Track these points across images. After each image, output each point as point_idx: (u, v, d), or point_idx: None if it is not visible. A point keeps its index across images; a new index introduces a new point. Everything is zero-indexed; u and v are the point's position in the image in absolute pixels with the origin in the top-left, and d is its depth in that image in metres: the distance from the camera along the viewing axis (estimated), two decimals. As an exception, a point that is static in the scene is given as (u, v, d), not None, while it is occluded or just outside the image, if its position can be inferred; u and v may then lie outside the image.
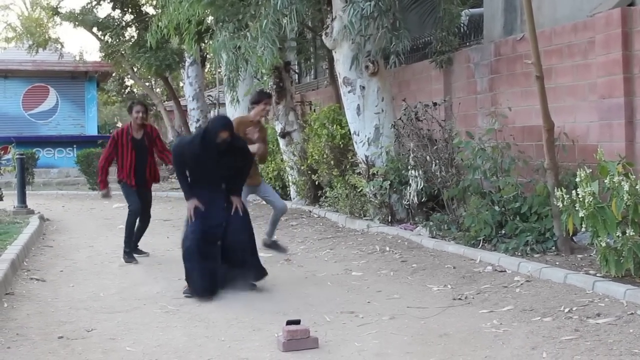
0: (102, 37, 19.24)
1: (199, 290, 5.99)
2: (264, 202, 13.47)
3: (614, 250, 5.60)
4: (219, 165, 6.10)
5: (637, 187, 5.48)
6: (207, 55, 19.84)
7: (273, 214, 7.86)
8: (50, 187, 20.99)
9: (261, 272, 6.38)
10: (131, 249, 8.12)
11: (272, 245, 7.94)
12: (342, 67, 9.62)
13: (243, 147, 6.40)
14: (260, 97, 7.63)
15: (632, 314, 4.71)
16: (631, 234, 5.47)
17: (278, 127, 12.82)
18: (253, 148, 7.03)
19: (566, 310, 4.96)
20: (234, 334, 4.85)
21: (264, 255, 7.75)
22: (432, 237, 8.10)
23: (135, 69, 20.52)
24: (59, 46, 21.95)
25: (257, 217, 11.29)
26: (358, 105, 9.55)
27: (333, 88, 13.15)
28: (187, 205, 6.14)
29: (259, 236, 9.17)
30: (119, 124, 30.02)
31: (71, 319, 5.33)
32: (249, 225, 6.39)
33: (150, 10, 19.50)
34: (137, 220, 8.21)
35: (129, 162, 8.00)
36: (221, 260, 6.14)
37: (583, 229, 5.86)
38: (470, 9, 11.36)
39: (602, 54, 7.50)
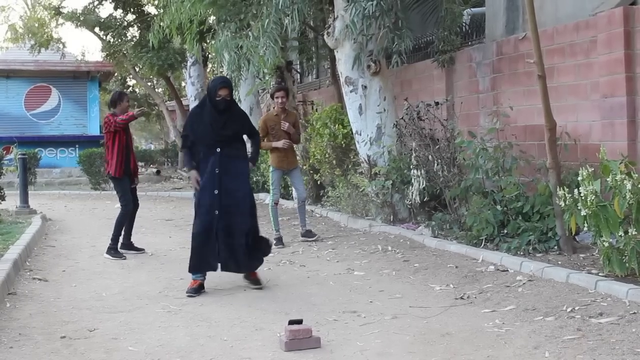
0: (104, 37, 19.24)
1: (197, 267, 6.14)
2: (266, 202, 13.58)
3: (617, 249, 5.60)
4: (217, 125, 6.18)
5: (639, 185, 5.47)
6: (209, 55, 19.82)
7: (298, 206, 9.01)
8: (53, 187, 21.01)
9: (256, 262, 6.33)
10: (119, 245, 8.27)
11: (307, 234, 8.86)
12: (344, 67, 9.62)
13: (242, 113, 6.59)
14: (273, 92, 9.07)
15: (634, 313, 4.71)
16: (634, 233, 5.47)
17: (280, 127, 12.83)
18: (278, 144, 8.60)
19: (568, 309, 4.96)
20: (236, 334, 4.85)
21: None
22: (435, 237, 8.10)
23: (137, 69, 20.52)
24: (61, 46, 21.97)
25: (259, 216, 11.29)
26: (360, 104, 9.55)
27: (335, 87, 13.15)
28: (190, 175, 6.39)
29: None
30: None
31: (74, 319, 5.33)
32: (252, 212, 6.35)
33: (152, 10, 19.50)
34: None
35: (123, 147, 8.20)
36: (220, 240, 6.13)
37: (585, 228, 5.84)
38: (472, 8, 11.35)
39: (604, 53, 7.49)
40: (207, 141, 6.22)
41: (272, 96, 9.08)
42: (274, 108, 9.03)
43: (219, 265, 6.21)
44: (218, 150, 6.18)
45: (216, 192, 6.15)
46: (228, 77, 10.90)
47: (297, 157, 9.58)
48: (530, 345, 4.33)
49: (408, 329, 4.85)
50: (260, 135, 8.63)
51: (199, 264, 6.18)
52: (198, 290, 6.11)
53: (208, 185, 6.18)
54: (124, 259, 8.03)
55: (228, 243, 6.14)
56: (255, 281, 6.31)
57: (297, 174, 9.02)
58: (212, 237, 6.14)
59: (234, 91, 10.86)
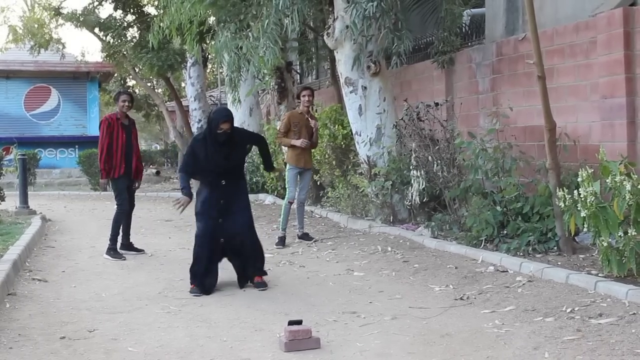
0: (104, 38, 19.21)
1: (206, 287, 6.18)
2: (266, 203, 13.59)
3: (616, 250, 5.60)
4: (220, 157, 6.24)
5: (639, 186, 5.47)
6: (209, 56, 19.83)
7: (297, 207, 9.01)
8: (52, 187, 21.00)
9: (260, 270, 6.43)
10: (119, 246, 8.28)
11: (304, 236, 8.91)
12: (343, 68, 9.62)
13: (242, 133, 6.75)
14: (299, 92, 9.18)
15: (634, 314, 4.71)
16: (633, 233, 5.47)
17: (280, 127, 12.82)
18: (297, 142, 8.66)
19: (568, 310, 4.96)
20: (236, 335, 4.85)
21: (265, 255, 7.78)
22: (434, 237, 8.10)
23: (137, 70, 20.49)
24: (60, 47, 21.95)
25: (259, 217, 11.30)
26: (360, 105, 9.55)
27: (335, 88, 13.15)
28: (182, 200, 6.44)
29: (262, 237, 9.22)
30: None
31: (73, 320, 5.33)
32: (250, 221, 6.49)
33: (152, 10, 19.50)
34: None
35: (120, 147, 8.18)
36: (224, 256, 6.37)
37: (585, 229, 5.85)
38: (472, 9, 11.35)
39: (604, 54, 7.49)
40: (211, 172, 6.29)
41: (298, 96, 9.32)
42: (298, 107, 9.23)
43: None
44: (223, 182, 6.29)
45: (221, 220, 6.28)
46: (227, 77, 10.95)
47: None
48: (530, 346, 4.33)
49: (408, 329, 4.85)
50: (282, 131, 8.94)
51: (207, 286, 6.23)
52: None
53: (212, 214, 6.29)
54: (124, 259, 8.03)
55: (239, 263, 6.36)
56: (259, 284, 6.34)
57: (308, 175, 9.09)
58: (217, 260, 6.32)
59: (234, 93, 10.92)
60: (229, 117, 6.33)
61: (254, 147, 7.41)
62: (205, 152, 6.27)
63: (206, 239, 6.29)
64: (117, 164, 8.16)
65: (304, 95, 8.93)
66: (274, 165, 7.44)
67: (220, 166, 6.25)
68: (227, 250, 6.36)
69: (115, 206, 8.48)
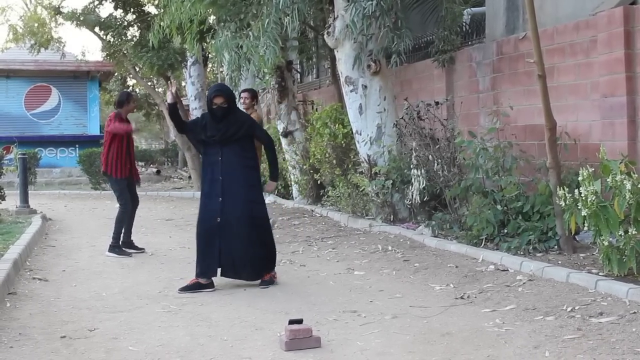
0: (104, 37, 19.21)
1: (198, 273, 6.22)
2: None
3: (617, 249, 5.60)
4: (213, 132, 6.23)
5: (639, 185, 5.47)
6: (209, 55, 19.82)
7: None
8: (53, 186, 21.01)
9: (257, 274, 6.35)
10: (120, 243, 8.29)
11: None
12: (344, 67, 9.62)
13: (243, 119, 6.51)
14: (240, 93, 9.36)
15: (634, 313, 4.70)
16: (634, 232, 5.47)
17: (280, 127, 12.84)
18: None
19: (569, 309, 4.96)
20: (236, 334, 4.85)
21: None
22: (435, 236, 8.09)
23: (137, 69, 20.48)
24: (60, 46, 21.95)
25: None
26: (360, 104, 9.55)
27: (335, 87, 13.16)
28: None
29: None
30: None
31: (74, 319, 5.33)
32: (258, 222, 6.35)
33: (152, 9, 19.50)
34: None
35: (125, 148, 8.21)
36: (221, 247, 6.20)
37: (585, 228, 5.84)
38: (472, 8, 11.35)
39: (604, 53, 7.49)
40: (208, 148, 6.31)
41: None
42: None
43: (219, 270, 6.30)
44: (220, 158, 6.23)
45: (220, 199, 6.20)
46: (228, 76, 10.94)
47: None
48: (531, 345, 4.33)
49: (408, 328, 4.85)
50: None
51: (205, 268, 6.24)
52: (193, 288, 6.18)
53: (212, 192, 6.24)
54: (130, 256, 8.02)
55: (228, 251, 6.20)
56: (264, 282, 6.35)
57: None
58: (214, 242, 6.20)
59: (234, 95, 10.93)
60: (219, 90, 6.36)
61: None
62: (203, 123, 6.33)
63: (205, 215, 6.26)
64: (123, 164, 8.17)
65: (241, 98, 8.96)
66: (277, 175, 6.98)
67: (212, 138, 6.22)
68: (222, 233, 6.18)
69: (118, 205, 8.49)
